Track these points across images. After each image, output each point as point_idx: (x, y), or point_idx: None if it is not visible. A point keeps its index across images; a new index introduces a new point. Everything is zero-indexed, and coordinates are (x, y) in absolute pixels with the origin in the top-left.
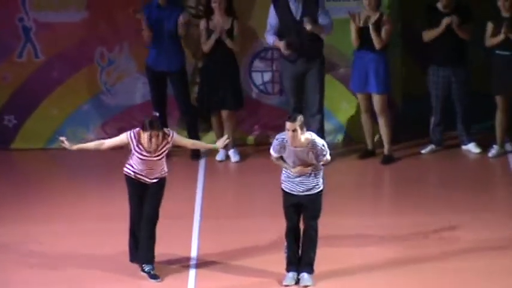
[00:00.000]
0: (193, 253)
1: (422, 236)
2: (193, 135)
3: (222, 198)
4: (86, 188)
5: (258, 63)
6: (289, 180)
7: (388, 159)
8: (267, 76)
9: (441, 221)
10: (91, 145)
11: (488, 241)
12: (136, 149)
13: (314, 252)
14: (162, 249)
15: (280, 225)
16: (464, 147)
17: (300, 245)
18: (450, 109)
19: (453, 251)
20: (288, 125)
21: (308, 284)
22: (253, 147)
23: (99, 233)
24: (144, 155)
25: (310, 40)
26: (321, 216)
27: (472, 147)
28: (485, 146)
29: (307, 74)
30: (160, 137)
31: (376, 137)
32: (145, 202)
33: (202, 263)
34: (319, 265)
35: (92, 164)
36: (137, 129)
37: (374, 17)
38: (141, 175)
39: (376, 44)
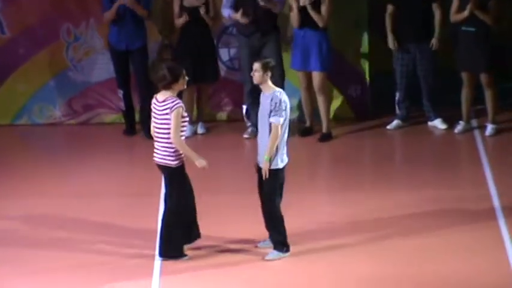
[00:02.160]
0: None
1: (385, 213)
2: (145, 113)
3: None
4: (53, 163)
5: (224, 39)
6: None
7: (326, 137)
8: (234, 52)
9: (403, 197)
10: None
11: (449, 218)
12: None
13: (277, 232)
14: (128, 226)
15: (243, 202)
16: (430, 123)
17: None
18: (417, 85)
19: (415, 227)
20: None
21: (268, 258)
22: (219, 123)
23: (66, 208)
24: None
25: (264, 14)
26: (287, 194)
27: (438, 123)
28: (452, 122)
29: (263, 48)
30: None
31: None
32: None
33: None
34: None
35: (59, 140)
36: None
37: None
38: None
39: (319, 23)
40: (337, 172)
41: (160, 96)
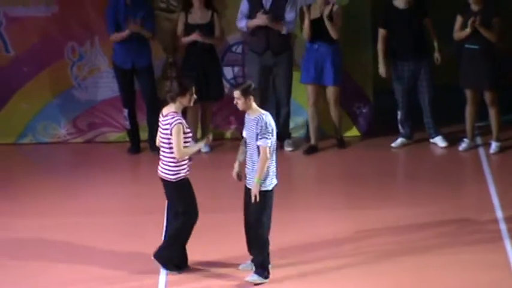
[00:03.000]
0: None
1: (388, 230)
2: (153, 130)
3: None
4: (58, 182)
5: (229, 58)
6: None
7: (342, 142)
8: (238, 70)
9: (407, 214)
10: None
11: (453, 236)
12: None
13: (261, 255)
14: (134, 245)
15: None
16: (431, 140)
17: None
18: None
19: (418, 244)
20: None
21: (247, 280)
22: (224, 142)
23: (72, 227)
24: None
25: (278, 33)
26: (292, 210)
27: (438, 141)
28: (455, 140)
29: (274, 68)
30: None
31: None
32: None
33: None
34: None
35: (63, 159)
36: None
37: (327, 10)
38: None
39: (333, 35)
40: (340, 189)
41: (165, 110)
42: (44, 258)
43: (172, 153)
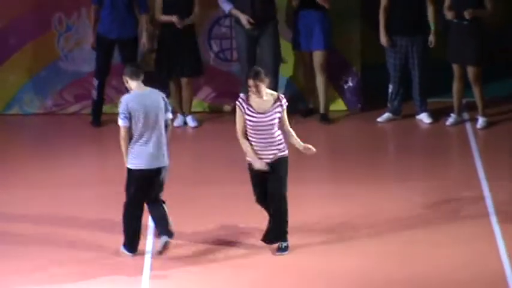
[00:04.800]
0: (150, 220)
1: (375, 205)
2: None
3: (180, 164)
4: (44, 154)
5: (216, 30)
6: None
7: (325, 118)
8: (226, 43)
9: (394, 190)
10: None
11: (440, 210)
12: (247, 112)
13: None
14: (118, 216)
15: (238, 192)
16: (417, 116)
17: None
18: (409, 78)
19: (405, 220)
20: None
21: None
22: (209, 114)
23: (53, 199)
24: (256, 117)
25: (262, 4)
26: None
27: (424, 117)
28: (443, 115)
29: (260, 38)
30: (263, 89)
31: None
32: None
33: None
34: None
35: (50, 130)
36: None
37: None
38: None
39: (326, 4)
40: (327, 164)
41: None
42: (20, 234)
43: None
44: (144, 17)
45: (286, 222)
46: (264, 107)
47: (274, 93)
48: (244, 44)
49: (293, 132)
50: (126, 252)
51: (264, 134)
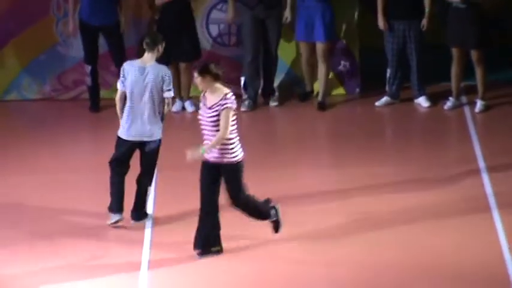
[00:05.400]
0: (150, 205)
1: (373, 190)
2: None
3: (178, 149)
4: (42, 139)
5: (214, 15)
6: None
7: (322, 105)
8: (224, 28)
9: (392, 173)
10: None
11: (438, 196)
12: (201, 104)
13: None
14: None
15: None
16: (415, 100)
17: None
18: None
19: (403, 205)
20: None
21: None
22: None
23: (53, 185)
24: (202, 110)
25: None
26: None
27: (422, 101)
28: (441, 99)
29: (266, 21)
30: (199, 83)
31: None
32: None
33: (159, 216)
34: None
35: (48, 116)
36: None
37: None
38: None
39: None
40: (325, 147)
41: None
42: (19, 214)
43: None
44: (123, 1)
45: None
46: (210, 102)
47: (227, 90)
48: (249, 26)
49: (216, 139)
50: (111, 214)
51: (204, 130)
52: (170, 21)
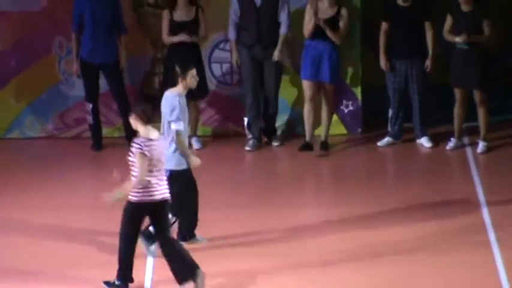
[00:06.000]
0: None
1: (374, 229)
2: (129, 126)
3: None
4: (44, 177)
5: (217, 54)
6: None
7: (325, 146)
8: (226, 67)
9: (393, 213)
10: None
11: (439, 234)
12: None
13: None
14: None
15: (236, 216)
16: (418, 140)
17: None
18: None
19: (404, 244)
20: (194, 71)
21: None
22: (211, 138)
23: (58, 224)
24: None
25: (268, 27)
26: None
27: (424, 141)
28: (443, 140)
29: (264, 62)
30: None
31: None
32: None
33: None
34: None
35: (51, 154)
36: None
37: (332, 11)
38: None
39: (336, 40)
40: (326, 187)
41: None
42: (25, 252)
43: None
44: (123, 38)
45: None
46: None
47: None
48: (248, 66)
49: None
50: None
51: None
52: (181, 57)
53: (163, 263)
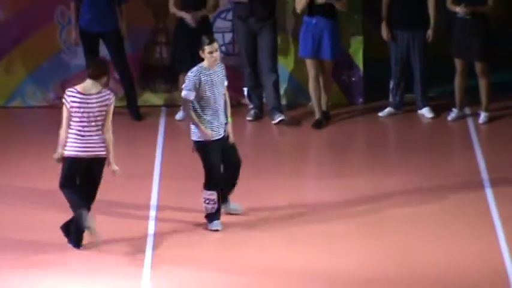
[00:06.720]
0: (152, 213)
1: (375, 199)
2: (132, 95)
3: (182, 157)
4: (45, 146)
5: (219, 24)
6: (212, 127)
7: (326, 115)
8: (228, 37)
9: (394, 183)
10: None
11: (440, 204)
12: None
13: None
14: (122, 209)
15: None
16: (419, 111)
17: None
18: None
19: (405, 213)
20: (209, 48)
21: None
22: None
23: (59, 192)
24: None
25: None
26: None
27: (425, 112)
28: (444, 110)
29: (259, 34)
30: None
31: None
32: None
33: (161, 223)
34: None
35: (51, 123)
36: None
37: None
38: None
39: (342, 8)
40: (328, 158)
41: (93, 88)
42: (23, 222)
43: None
44: (124, 7)
45: None
46: None
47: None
48: (243, 38)
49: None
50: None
51: None
52: (189, 29)
53: (164, 240)
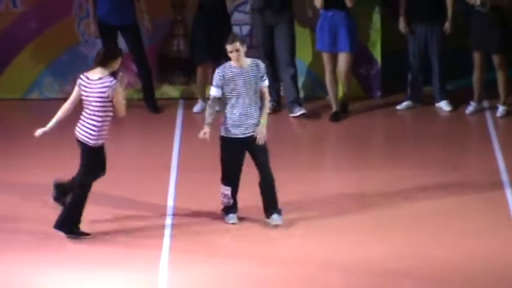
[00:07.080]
0: (170, 205)
1: (393, 192)
2: (150, 87)
3: (199, 150)
4: (61, 139)
5: (236, 17)
6: (235, 124)
7: (344, 108)
8: (246, 29)
9: (412, 176)
10: None
11: (458, 198)
12: None
13: (276, 193)
14: (139, 201)
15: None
16: (437, 104)
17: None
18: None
19: (423, 207)
20: (229, 47)
21: (279, 222)
22: None
23: None
24: None
25: None
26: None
27: (443, 105)
28: (462, 103)
29: (275, 27)
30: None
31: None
32: None
33: (178, 216)
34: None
35: (69, 115)
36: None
37: None
38: None
39: (348, 2)
40: (346, 150)
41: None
42: (42, 213)
43: (95, 118)
44: (142, 1)
45: None
46: None
47: None
48: (260, 31)
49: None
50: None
51: None
52: (208, 21)
53: (181, 232)
